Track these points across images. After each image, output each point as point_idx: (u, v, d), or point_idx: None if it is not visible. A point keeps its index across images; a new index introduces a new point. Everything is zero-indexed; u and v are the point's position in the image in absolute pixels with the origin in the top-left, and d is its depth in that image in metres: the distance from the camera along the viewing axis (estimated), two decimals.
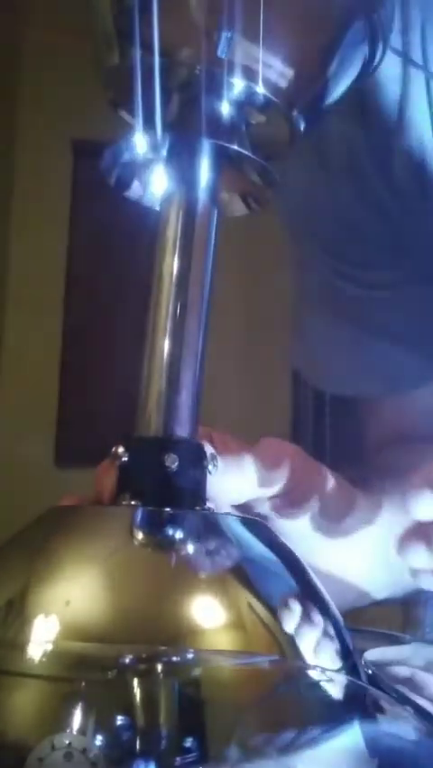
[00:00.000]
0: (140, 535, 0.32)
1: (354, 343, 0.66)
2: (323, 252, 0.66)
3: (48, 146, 3.18)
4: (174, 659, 0.28)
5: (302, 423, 3.08)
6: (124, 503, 0.34)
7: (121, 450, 0.35)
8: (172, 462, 0.34)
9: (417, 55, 0.55)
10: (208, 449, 0.36)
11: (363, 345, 0.65)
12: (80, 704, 0.27)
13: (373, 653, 0.40)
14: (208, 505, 0.35)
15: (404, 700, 0.34)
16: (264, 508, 0.44)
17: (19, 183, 3.23)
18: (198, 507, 0.35)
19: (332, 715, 0.30)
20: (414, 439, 0.63)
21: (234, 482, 0.41)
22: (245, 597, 0.31)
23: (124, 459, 0.35)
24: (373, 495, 0.50)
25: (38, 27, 3.13)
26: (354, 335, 0.66)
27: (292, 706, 0.30)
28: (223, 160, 0.37)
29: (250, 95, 0.37)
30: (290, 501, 0.44)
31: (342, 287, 0.66)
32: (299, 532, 0.45)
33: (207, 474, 0.36)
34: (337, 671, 0.32)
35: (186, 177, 0.37)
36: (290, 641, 0.31)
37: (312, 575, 0.35)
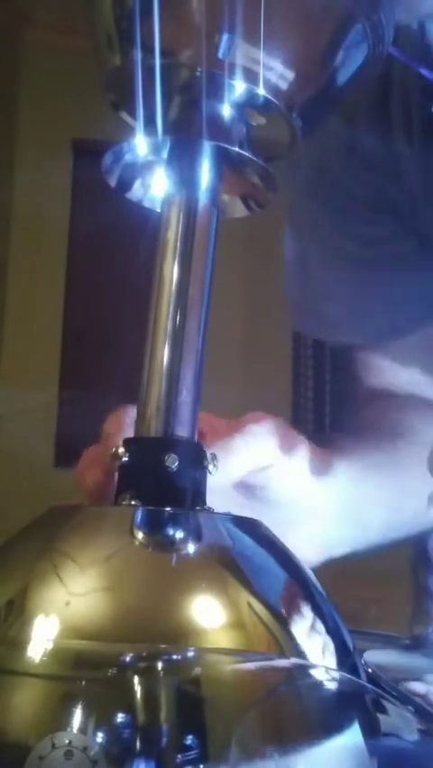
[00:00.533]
0: (140, 535, 0.32)
1: (350, 293, 0.71)
2: (326, 211, 0.70)
3: (48, 146, 3.18)
4: (174, 657, 0.28)
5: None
6: (124, 503, 0.34)
7: (121, 450, 0.35)
8: (172, 462, 0.34)
9: None
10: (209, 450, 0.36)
11: (359, 295, 0.70)
12: (81, 702, 0.27)
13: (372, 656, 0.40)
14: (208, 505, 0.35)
15: (405, 700, 0.34)
16: (256, 480, 0.47)
17: (19, 183, 3.23)
18: (198, 507, 0.35)
19: (332, 714, 0.30)
20: (397, 394, 0.69)
21: (226, 466, 0.42)
22: (245, 596, 0.31)
23: (124, 459, 0.35)
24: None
25: (38, 27, 3.13)
26: (350, 285, 0.71)
27: (292, 705, 0.30)
28: (223, 161, 0.37)
29: (250, 96, 0.37)
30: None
31: (342, 244, 0.70)
32: (286, 497, 0.48)
33: (207, 474, 0.36)
34: (338, 670, 0.32)
35: (186, 178, 0.37)
36: (290, 640, 0.31)
37: (311, 574, 0.35)
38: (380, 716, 0.32)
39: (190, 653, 0.29)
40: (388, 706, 0.32)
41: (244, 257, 2.64)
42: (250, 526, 0.35)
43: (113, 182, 0.39)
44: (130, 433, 0.36)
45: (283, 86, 0.37)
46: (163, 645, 0.29)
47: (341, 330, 0.72)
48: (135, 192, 0.40)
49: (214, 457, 0.36)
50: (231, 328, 2.79)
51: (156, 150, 0.37)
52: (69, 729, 0.26)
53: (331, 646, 0.32)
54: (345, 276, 0.70)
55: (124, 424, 0.41)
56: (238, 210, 0.41)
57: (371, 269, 0.69)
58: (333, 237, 0.70)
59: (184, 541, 0.32)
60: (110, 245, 3.08)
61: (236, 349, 2.84)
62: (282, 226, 0.74)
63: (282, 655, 0.30)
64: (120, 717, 0.26)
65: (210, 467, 0.36)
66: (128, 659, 0.28)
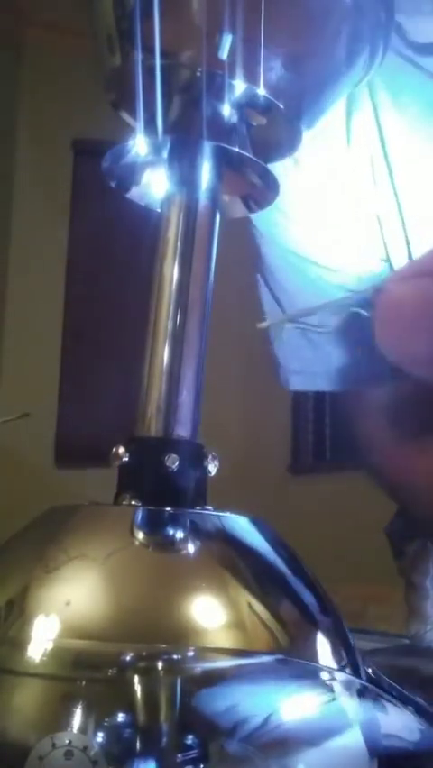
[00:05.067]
0: (140, 535, 0.32)
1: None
2: None
3: (48, 146, 3.18)
4: (174, 657, 0.28)
5: (302, 421, 3.08)
6: (124, 503, 0.34)
7: (121, 450, 0.35)
8: (172, 462, 0.34)
9: None
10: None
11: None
12: (81, 702, 0.27)
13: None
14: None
15: (405, 700, 0.34)
16: None
17: (19, 183, 3.23)
18: (198, 507, 0.35)
19: (332, 714, 0.30)
20: None
21: None
22: (245, 596, 0.31)
23: (125, 459, 0.35)
24: None
25: (38, 27, 3.13)
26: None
27: (292, 705, 0.30)
28: (223, 161, 0.37)
29: (251, 96, 0.37)
30: None
31: None
32: None
33: (207, 474, 0.36)
34: (338, 669, 0.32)
35: (187, 178, 0.37)
36: (290, 640, 0.31)
37: (312, 574, 0.35)
38: (380, 716, 0.32)
39: (190, 653, 0.29)
40: (388, 706, 0.32)
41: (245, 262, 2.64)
42: (250, 526, 0.35)
43: (113, 182, 0.39)
44: None
45: (283, 86, 0.37)
46: (163, 645, 0.29)
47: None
48: (135, 192, 0.40)
49: (214, 457, 0.36)
50: (231, 328, 2.79)
51: (156, 150, 0.37)
52: (69, 729, 0.26)
53: (332, 645, 0.32)
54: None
55: None
56: (238, 210, 0.41)
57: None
58: None
59: (184, 541, 0.32)
60: (110, 245, 3.08)
61: (236, 349, 2.84)
62: None
63: (282, 655, 0.30)
64: (120, 717, 0.26)
65: (210, 467, 0.36)
66: (128, 659, 0.28)
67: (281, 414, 3.04)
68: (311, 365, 0.66)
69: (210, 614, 0.30)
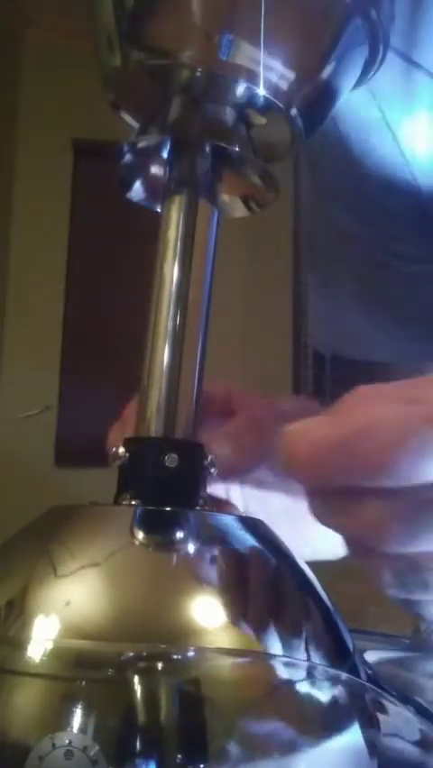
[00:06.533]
0: (140, 535, 0.32)
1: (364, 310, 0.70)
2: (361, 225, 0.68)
3: (48, 146, 3.18)
4: (174, 657, 0.28)
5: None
6: (124, 503, 0.34)
7: (121, 450, 0.35)
8: (172, 462, 0.34)
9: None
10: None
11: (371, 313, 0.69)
12: (81, 702, 0.27)
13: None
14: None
15: (405, 700, 0.34)
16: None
17: (19, 183, 3.23)
18: (197, 507, 0.35)
19: (332, 714, 0.30)
20: None
21: None
22: (245, 597, 0.31)
23: (125, 459, 0.35)
24: None
25: (38, 27, 3.13)
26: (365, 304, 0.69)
27: (292, 705, 0.30)
28: (223, 161, 0.37)
29: (251, 96, 0.37)
30: None
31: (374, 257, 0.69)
32: None
33: (208, 474, 0.36)
34: (338, 669, 0.32)
35: (187, 178, 0.37)
36: (290, 640, 0.31)
37: (312, 574, 0.35)
38: (380, 716, 0.32)
39: (190, 653, 0.29)
40: (388, 706, 0.32)
41: (244, 245, 2.64)
42: (250, 526, 0.35)
43: (113, 182, 0.39)
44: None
45: (283, 86, 0.37)
46: (163, 645, 0.29)
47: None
48: (136, 192, 0.40)
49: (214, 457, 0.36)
50: (231, 316, 2.79)
51: (156, 150, 0.37)
52: (69, 729, 0.26)
53: (331, 646, 0.32)
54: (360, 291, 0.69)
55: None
56: (238, 210, 0.41)
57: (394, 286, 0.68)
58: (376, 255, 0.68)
59: (184, 541, 0.32)
60: (110, 245, 3.08)
61: (236, 337, 2.84)
62: (285, 231, 0.73)
63: (282, 655, 0.30)
64: (120, 717, 0.26)
65: (210, 467, 0.36)
66: (128, 659, 0.28)
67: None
68: None
69: (210, 614, 0.30)
